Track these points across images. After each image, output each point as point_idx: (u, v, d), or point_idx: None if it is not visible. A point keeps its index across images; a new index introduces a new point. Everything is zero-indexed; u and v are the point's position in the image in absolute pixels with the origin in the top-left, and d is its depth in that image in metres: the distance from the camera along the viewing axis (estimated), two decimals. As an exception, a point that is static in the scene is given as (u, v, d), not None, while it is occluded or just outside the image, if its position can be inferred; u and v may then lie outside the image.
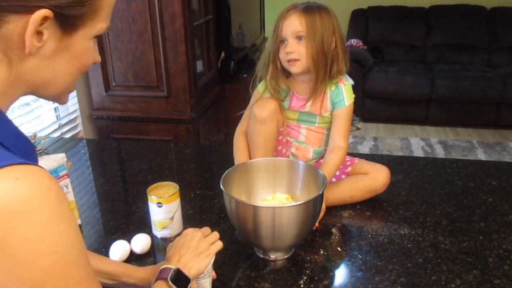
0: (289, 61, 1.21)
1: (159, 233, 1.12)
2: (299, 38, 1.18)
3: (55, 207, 0.50)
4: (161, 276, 0.79)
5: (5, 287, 0.48)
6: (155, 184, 1.12)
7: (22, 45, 0.53)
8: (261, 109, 1.24)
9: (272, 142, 1.28)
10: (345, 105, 1.24)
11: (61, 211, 0.51)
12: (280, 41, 1.21)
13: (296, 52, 1.18)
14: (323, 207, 1.17)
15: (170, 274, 0.79)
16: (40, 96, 0.62)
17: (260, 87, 1.31)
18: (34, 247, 0.48)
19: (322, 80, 1.22)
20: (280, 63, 1.24)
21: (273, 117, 1.25)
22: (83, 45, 0.60)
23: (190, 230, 0.89)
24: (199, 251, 0.85)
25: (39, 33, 0.53)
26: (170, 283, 0.78)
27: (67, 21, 0.55)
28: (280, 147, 1.33)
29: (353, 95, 1.26)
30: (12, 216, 0.47)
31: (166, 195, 1.09)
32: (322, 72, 1.21)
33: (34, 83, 0.58)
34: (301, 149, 1.32)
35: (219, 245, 0.89)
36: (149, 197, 1.10)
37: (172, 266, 0.80)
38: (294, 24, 1.18)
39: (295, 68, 1.22)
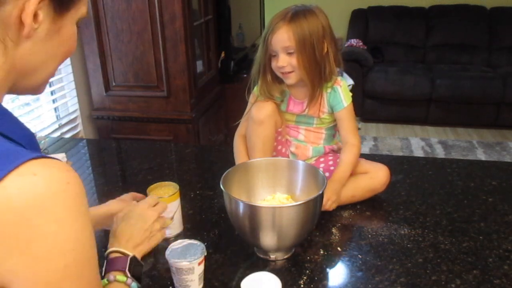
0: (282, 73, 1.21)
1: None
2: (289, 52, 1.17)
3: (74, 202, 0.50)
4: (116, 267, 0.75)
5: (22, 285, 0.47)
6: (155, 184, 1.12)
7: (19, 28, 0.53)
8: (258, 111, 1.25)
9: (270, 143, 1.29)
10: (343, 107, 1.25)
11: (78, 206, 0.51)
12: (270, 54, 1.21)
13: (288, 65, 1.18)
14: (333, 199, 1.17)
15: (128, 265, 0.75)
16: (21, 90, 0.60)
17: (256, 91, 1.31)
18: (53, 244, 0.48)
19: (318, 86, 1.22)
20: (272, 73, 1.24)
21: (270, 118, 1.25)
22: (71, 29, 0.59)
23: (144, 208, 0.87)
24: (151, 234, 0.84)
25: (35, 14, 0.53)
26: (129, 274, 0.75)
27: (61, 1, 0.55)
28: (280, 147, 1.33)
29: (350, 94, 1.27)
30: (31, 213, 0.46)
31: (166, 195, 1.09)
32: (317, 79, 1.21)
33: (24, 70, 0.57)
34: (301, 147, 1.32)
35: (163, 234, 0.91)
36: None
37: (124, 251, 0.77)
38: (283, 39, 1.16)
39: (290, 80, 1.22)
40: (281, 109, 1.31)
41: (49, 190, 0.48)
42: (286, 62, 1.18)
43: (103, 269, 0.76)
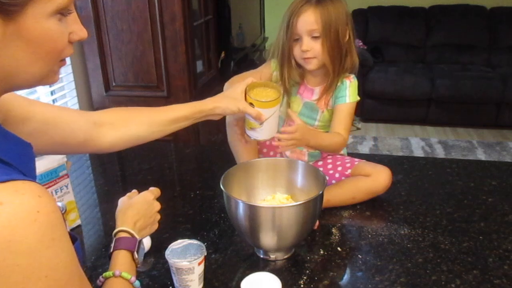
0: (304, 58, 1.19)
1: (247, 131, 1.11)
2: (314, 36, 1.15)
3: (44, 231, 0.47)
4: (125, 246, 0.80)
5: None
6: (259, 82, 1.08)
7: None
8: (228, 116, 1.21)
9: (252, 142, 1.23)
10: (345, 102, 1.23)
11: (50, 234, 0.48)
12: (294, 39, 1.18)
13: (312, 50, 1.16)
14: (294, 136, 1.09)
15: (136, 247, 0.80)
16: (18, 88, 0.57)
17: (273, 64, 1.27)
18: (23, 274, 0.46)
19: (338, 74, 1.21)
20: (295, 59, 1.21)
21: (239, 120, 1.17)
22: (39, 27, 0.52)
23: (150, 198, 0.91)
24: (154, 222, 0.91)
25: None
26: (136, 256, 0.80)
27: (2, 4, 0.48)
28: (272, 153, 1.32)
29: (357, 97, 1.25)
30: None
31: (263, 99, 1.04)
32: (338, 66, 1.19)
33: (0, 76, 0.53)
34: (296, 152, 1.31)
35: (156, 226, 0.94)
36: (246, 95, 1.06)
37: (131, 231, 0.82)
38: (309, 22, 1.13)
39: (311, 66, 1.20)
40: (291, 94, 1.27)
41: (17, 221, 0.45)
42: (310, 46, 1.15)
43: (112, 245, 0.80)
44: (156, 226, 0.92)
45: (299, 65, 1.24)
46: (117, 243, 0.80)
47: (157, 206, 0.92)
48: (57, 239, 0.49)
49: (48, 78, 0.58)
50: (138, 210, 0.87)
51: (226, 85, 1.26)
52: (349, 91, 1.23)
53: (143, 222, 0.87)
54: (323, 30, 1.14)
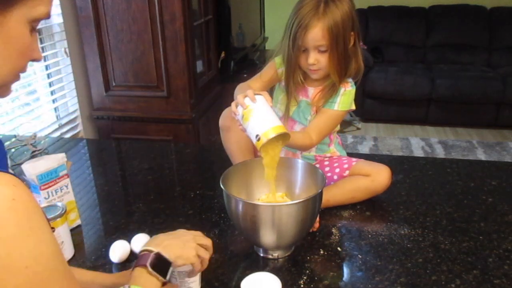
0: (310, 69, 1.18)
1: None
2: (321, 50, 1.14)
3: (20, 218, 0.46)
4: (139, 262, 0.73)
5: None
6: (270, 140, 0.97)
7: None
8: (222, 117, 1.22)
9: (245, 145, 1.25)
10: (332, 108, 1.21)
11: (29, 223, 0.47)
12: (301, 50, 1.16)
13: (318, 63, 1.15)
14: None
15: (150, 260, 0.72)
16: None
17: (278, 60, 1.27)
18: (2, 265, 0.45)
19: (342, 81, 1.20)
20: (300, 67, 1.20)
21: (235, 122, 1.16)
22: (18, 28, 0.53)
23: (186, 232, 0.83)
24: (185, 243, 0.79)
25: None
26: (150, 269, 0.72)
27: None
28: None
29: (350, 107, 1.23)
30: None
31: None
32: (343, 75, 1.19)
33: None
34: (290, 154, 1.30)
35: (208, 253, 0.81)
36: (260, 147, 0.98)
37: (152, 248, 0.74)
38: (317, 38, 1.12)
39: (316, 76, 1.20)
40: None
41: None
42: (316, 60, 1.15)
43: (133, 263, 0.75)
44: (190, 247, 0.78)
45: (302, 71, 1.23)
46: (136, 262, 0.74)
47: (202, 239, 0.81)
48: (36, 228, 0.47)
49: (5, 89, 0.57)
50: (171, 234, 0.80)
51: (237, 90, 1.22)
52: (340, 99, 1.21)
53: (168, 241, 0.77)
54: (331, 44, 1.12)
